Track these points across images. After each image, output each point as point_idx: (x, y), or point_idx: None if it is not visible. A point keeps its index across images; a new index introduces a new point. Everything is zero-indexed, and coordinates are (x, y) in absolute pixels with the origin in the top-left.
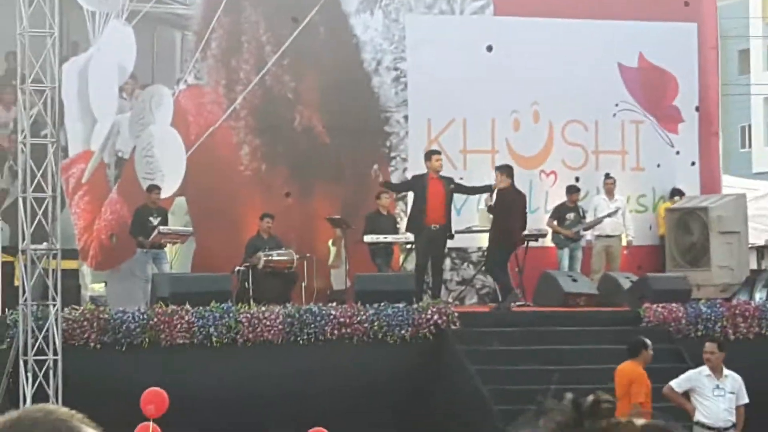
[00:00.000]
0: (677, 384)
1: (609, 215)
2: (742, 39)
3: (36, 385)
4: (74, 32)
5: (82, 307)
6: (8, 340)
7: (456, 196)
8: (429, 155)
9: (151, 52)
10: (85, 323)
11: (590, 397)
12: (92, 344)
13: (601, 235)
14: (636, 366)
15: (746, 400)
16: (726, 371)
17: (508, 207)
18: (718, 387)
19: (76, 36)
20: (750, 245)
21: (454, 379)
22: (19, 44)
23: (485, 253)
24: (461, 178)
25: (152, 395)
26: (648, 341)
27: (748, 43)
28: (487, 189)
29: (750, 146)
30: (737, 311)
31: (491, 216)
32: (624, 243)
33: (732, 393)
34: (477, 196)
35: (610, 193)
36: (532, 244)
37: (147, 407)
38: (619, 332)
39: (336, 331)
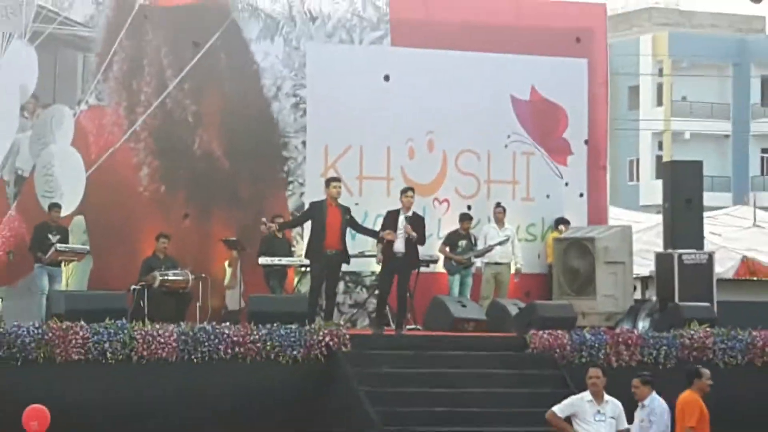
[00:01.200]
0: (560, 409)
1: (500, 243)
2: (632, 76)
3: None
4: None
5: None
6: None
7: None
8: (328, 182)
9: (53, 72)
10: None
11: None
12: None
13: (490, 262)
14: (692, 394)
15: (626, 426)
16: (607, 397)
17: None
18: (599, 412)
19: None
20: (635, 275)
21: (344, 400)
22: None
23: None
24: (357, 204)
25: (34, 412)
26: (702, 370)
27: (638, 81)
28: (375, 235)
29: (637, 179)
30: (620, 339)
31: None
32: (513, 271)
33: (612, 418)
34: (375, 223)
35: (500, 222)
36: (423, 269)
37: (30, 424)
38: (506, 357)
39: (230, 350)
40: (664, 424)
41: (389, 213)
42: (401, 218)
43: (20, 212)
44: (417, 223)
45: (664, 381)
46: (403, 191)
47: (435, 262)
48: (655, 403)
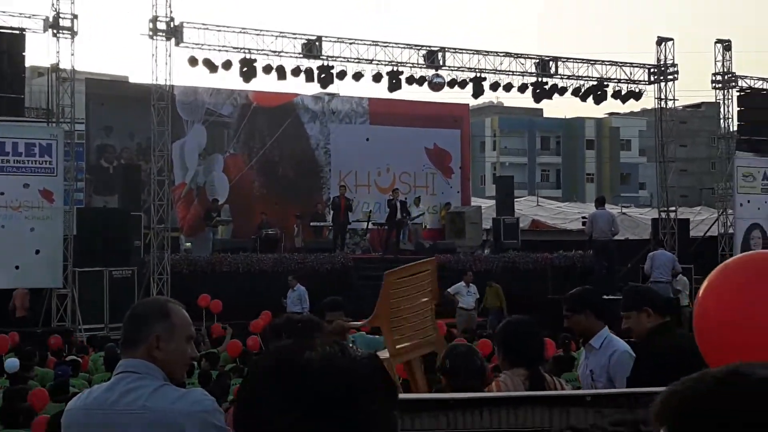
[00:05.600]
0: (451, 290)
1: (421, 215)
2: (482, 136)
3: (158, 290)
4: (177, 129)
5: (180, 254)
6: (144, 270)
7: None
8: (340, 187)
9: (213, 138)
10: (183, 262)
11: None
12: (185, 272)
13: (411, 223)
14: None
15: (478, 296)
16: (470, 284)
17: None
18: (468, 292)
19: (178, 130)
20: (483, 228)
21: (351, 295)
22: (152, 134)
23: (365, 230)
24: (354, 197)
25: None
26: None
27: (485, 138)
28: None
29: (485, 184)
30: (477, 258)
31: None
32: (423, 227)
33: (473, 294)
34: (361, 206)
35: (416, 204)
36: None
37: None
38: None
39: (297, 266)
40: (304, 298)
41: None
42: None
43: (200, 203)
44: None
45: (496, 279)
46: None
47: None
48: (300, 288)
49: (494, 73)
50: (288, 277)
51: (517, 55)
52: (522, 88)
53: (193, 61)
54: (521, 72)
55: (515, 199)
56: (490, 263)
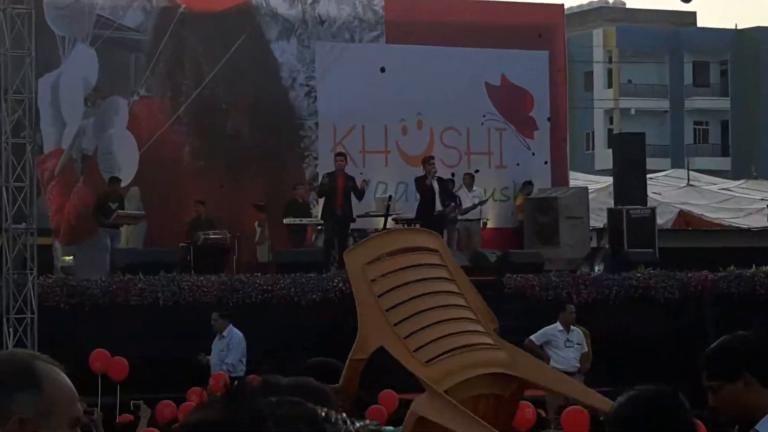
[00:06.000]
0: (536, 338)
1: (480, 203)
2: (586, 63)
3: (16, 338)
4: (48, 53)
5: (54, 276)
6: None
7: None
8: (335, 157)
9: (109, 69)
10: (57, 289)
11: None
12: (62, 306)
13: (462, 219)
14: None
15: (587, 350)
16: (573, 327)
17: None
18: (568, 340)
19: (49, 56)
20: (591, 227)
21: (354, 336)
22: (2, 63)
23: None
24: (361, 173)
25: (99, 355)
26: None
27: (592, 67)
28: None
29: (593, 149)
30: (579, 280)
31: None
32: (480, 225)
33: (578, 344)
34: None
35: (469, 187)
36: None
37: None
38: (486, 297)
39: (260, 296)
40: (240, 352)
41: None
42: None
43: (86, 184)
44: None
45: (613, 314)
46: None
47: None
48: (232, 333)
49: None
50: (213, 314)
51: None
52: None
53: None
54: None
55: (650, 176)
56: (604, 290)
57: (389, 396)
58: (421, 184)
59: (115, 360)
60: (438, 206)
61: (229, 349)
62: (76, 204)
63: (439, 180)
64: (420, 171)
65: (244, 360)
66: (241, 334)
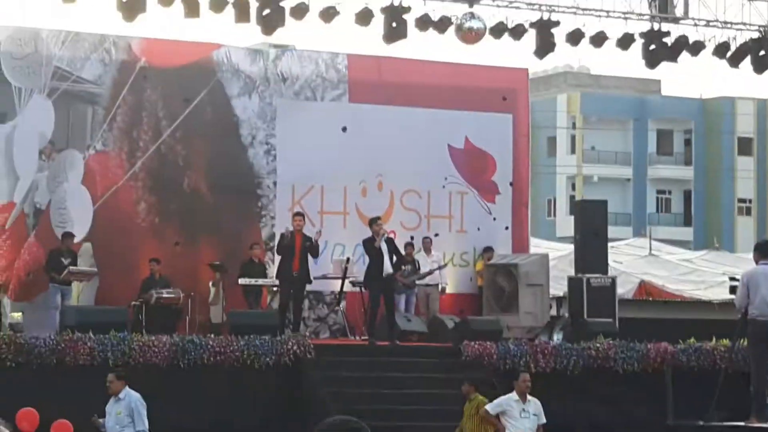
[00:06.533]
0: (491, 408)
1: (439, 268)
2: (550, 128)
3: None
4: (3, 104)
5: (2, 333)
6: None
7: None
8: (293, 217)
9: (66, 122)
10: (4, 346)
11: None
12: (9, 363)
13: (420, 284)
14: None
15: (544, 421)
16: (529, 397)
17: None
18: (524, 410)
19: (4, 107)
20: (551, 296)
21: (309, 400)
22: None
23: (336, 296)
24: (318, 231)
25: (26, 414)
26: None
27: (555, 132)
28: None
29: (554, 215)
30: (538, 349)
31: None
32: (439, 290)
33: (535, 415)
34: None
35: (427, 251)
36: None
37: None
38: (444, 363)
39: (212, 358)
40: (137, 412)
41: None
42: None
43: (38, 239)
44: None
45: (572, 385)
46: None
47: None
48: (130, 395)
49: (574, 13)
50: (108, 374)
51: None
52: (625, 41)
53: None
54: (624, 13)
55: (611, 244)
56: (563, 360)
57: None
58: (369, 245)
59: (58, 424)
60: (387, 268)
61: (134, 412)
62: (26, 260)
63: (388, 241)
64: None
65: (145, 423)
66: (138, 395)
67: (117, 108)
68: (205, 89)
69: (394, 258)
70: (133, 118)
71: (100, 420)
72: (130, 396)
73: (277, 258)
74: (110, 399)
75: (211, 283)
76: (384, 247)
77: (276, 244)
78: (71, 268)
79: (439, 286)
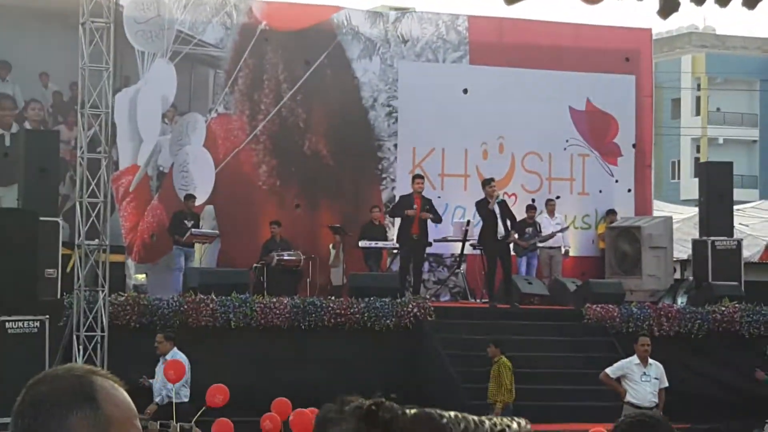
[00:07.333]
0: (612, 371)
1: (561, 231)
2: (674, 90)
3: (86, 356)
4: (126, 68)
5: (126, 294)
6: (65, 318)
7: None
8: (414, 179)
9: (188, 85)
10: (128, 307)
11: (367, 404)
12: (133, 324)
13: (544, 247)
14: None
15: (666, 385)
16: (651, 361)
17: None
18: (645, 374)
19: (128, 71)
20: (675, 259)
21: (429, 362)
22: (80, 76)
23: (456, 258)
24: (439, 197)
25: (217, 389)
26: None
27: (680, 94)
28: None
29: (679, 178)
30: (662, 313)
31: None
32: (562, 253)
33: (656, 378)
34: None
35: (551, 213)
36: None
37: (215, 398)
38: (565, 327)
39: (333, 320)
40: (185, 376)
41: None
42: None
43: (161, 202)
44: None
45: (698, 349)
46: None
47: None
48: (176, 357)
49: None
50: (157, 335)
51: None
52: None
53: None
54: None
55: (737, 207)
56: (687, 323)
57: None
58: (482, 207)
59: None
60: (500, 230)
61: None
62: (150, 222)
63: (501, 203)
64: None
65: (188, 385)
66: (185, 358)
67: (238, 71)
68: (326, 52)
69: (508, 222)
70: (254, 81)
71: (150, 381)
72: (176, 357)
73: (398, 220)
74: (159, 359)
75: (331, 246)
76: (497, 209)
77: (392, 206)
78: (194, 230)
79: (562, 249)
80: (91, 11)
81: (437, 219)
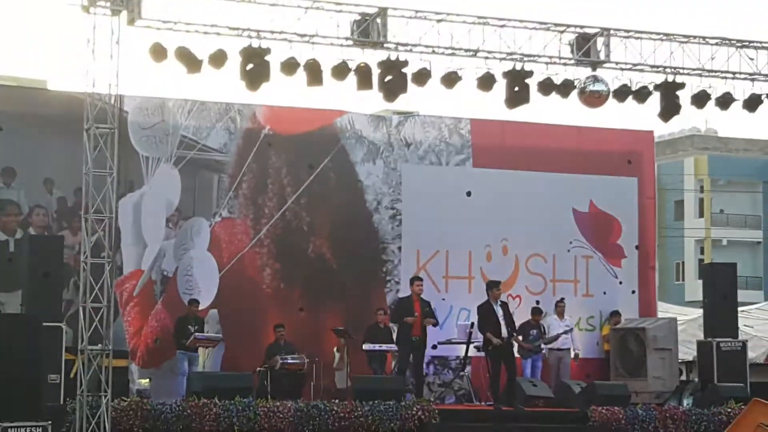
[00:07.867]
0: None
1: (565, 333)
2: (677, 192)
3: None
4: (131, 173)
5: (129, 399)
6: (67, 424)
7: (441, 313)
8: (412, 281)
9: (193, 190)
10: (131, 412)
11: None
12: (136, 430)
13: (553, 348)
14: None
15: None
16: None
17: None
18: None
19: (132, 175)
20: (680, 360)
21: None
22: (84, 182)
23: (461, 360)
24: (443, 299)
25: None
26: None
27: (683, 196)
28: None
29: (683, 279)
30: (668, 415)
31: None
32: (572, 356)
33: None
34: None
35: (560, 314)
36: None
37: None
38: (570, 429)
39: (337, 423)
40: None
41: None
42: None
43: (165, 306)
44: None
45: None
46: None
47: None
48: None
49: (699, 75)
50: None
51: (741, 44)
52: (752, 103)
53: (158, 52)
54: (750, 74)
55: (741, 309)
56: (693, 425)
57: None
58: (480, 310)
59: None
60: (503, 332)
61: None
62: (154, 326)
63: (502, 305)
64: (503, 297)
65: None
66: None
67: (242, 175)
68: (329, 155)
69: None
70: (258, 185)
71: None
72: None
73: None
74: None
75: (335, 349)
76: (499, 311)
77: (391, 311)
78: (197, 334)
79: (572, 351)
80: (95, 117)
81: (436, 323)
